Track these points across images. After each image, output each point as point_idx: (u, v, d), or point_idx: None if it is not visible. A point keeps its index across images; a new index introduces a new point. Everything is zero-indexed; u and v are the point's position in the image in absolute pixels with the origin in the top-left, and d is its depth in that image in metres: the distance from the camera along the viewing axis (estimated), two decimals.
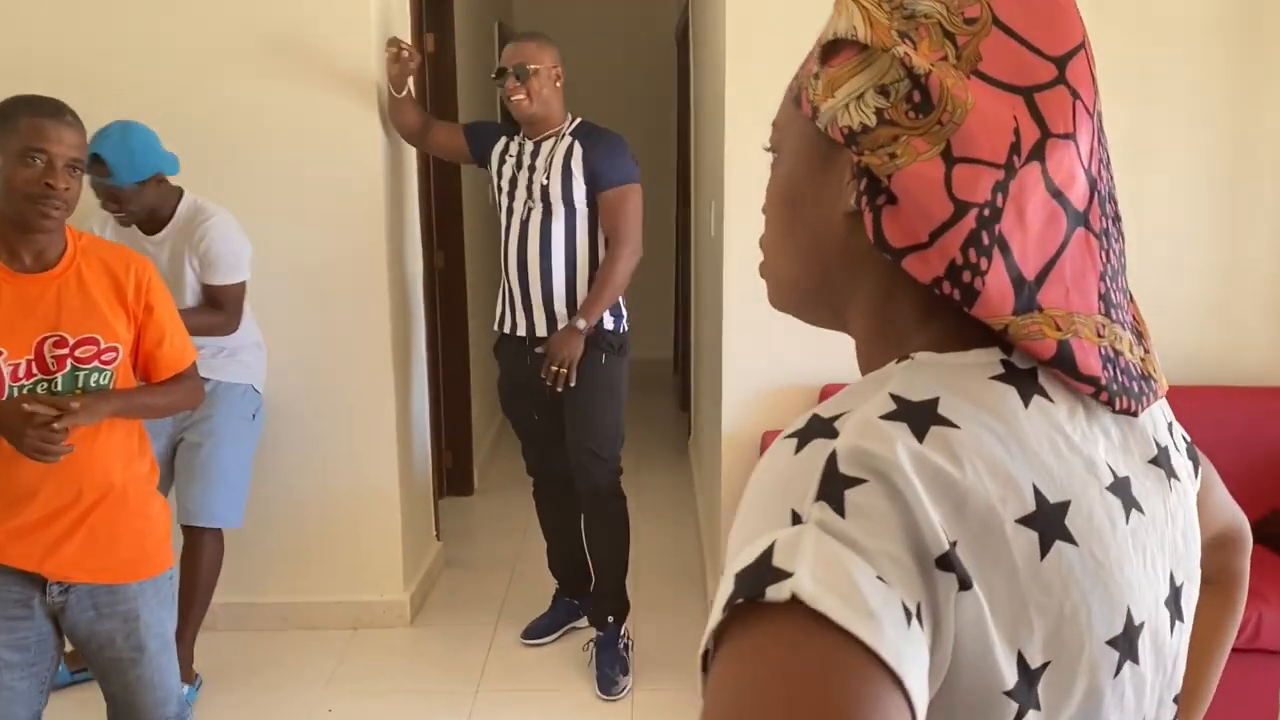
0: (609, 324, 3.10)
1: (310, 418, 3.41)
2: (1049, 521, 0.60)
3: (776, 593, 0.51)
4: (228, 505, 3.04)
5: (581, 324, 3.00)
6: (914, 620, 0.53)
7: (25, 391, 1.89)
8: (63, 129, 1.88)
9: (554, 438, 3.24)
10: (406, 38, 3.49)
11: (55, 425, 1.84)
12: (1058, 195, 0.63)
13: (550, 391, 3.06)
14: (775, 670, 0.50)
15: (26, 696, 2.02)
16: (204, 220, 2.92)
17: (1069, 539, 0.60)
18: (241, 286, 2.98)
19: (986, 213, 0.62)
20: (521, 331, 3.15)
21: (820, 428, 0.61)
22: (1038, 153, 0.62)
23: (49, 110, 1.89)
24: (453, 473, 4.75)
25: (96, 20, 3.19)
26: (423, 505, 3.83)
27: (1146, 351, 0.69)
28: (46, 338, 1.90)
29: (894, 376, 0.64)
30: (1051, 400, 0.64)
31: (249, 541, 3.32)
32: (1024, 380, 0.64)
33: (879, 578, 0.53)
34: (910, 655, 0.51)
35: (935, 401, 0.61)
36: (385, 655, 3.36)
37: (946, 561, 0.55)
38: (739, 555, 0.56)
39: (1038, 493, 0.60)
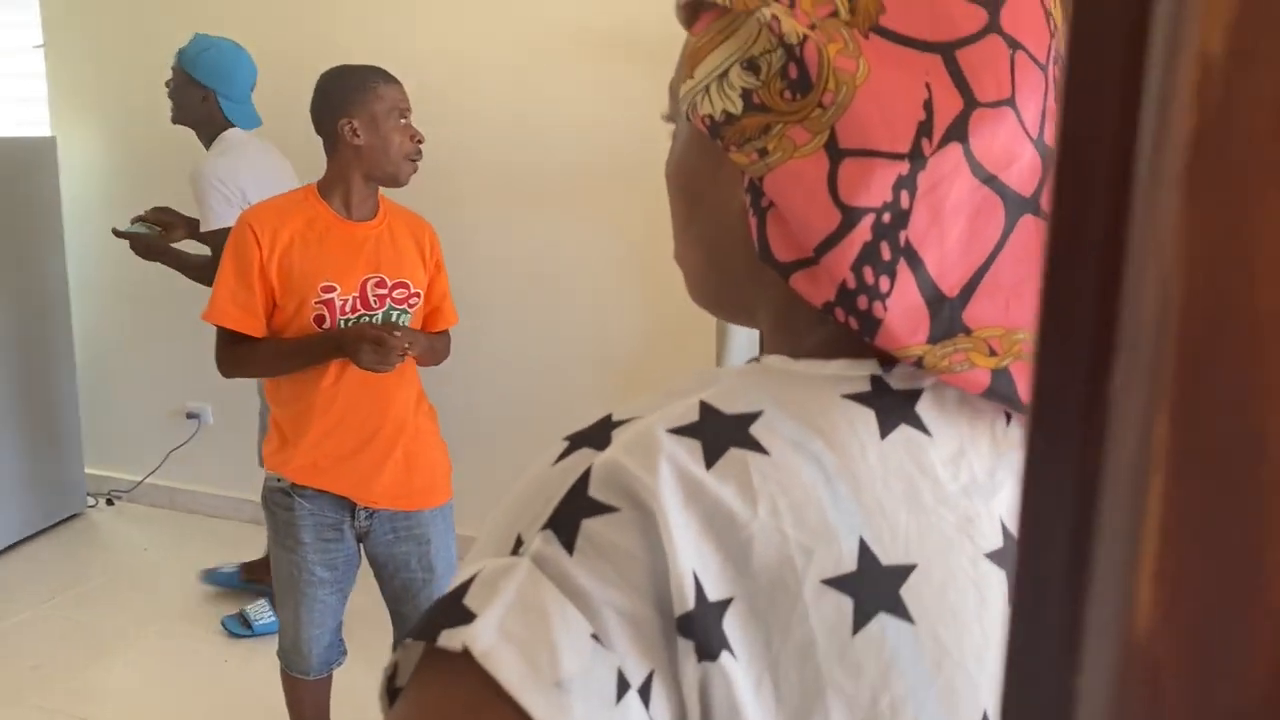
0: None
1: None
2: (873, 587, 0.47)
3: (449, 639, 0.43)
4: None
5: None
6: (633, 693, 0.43)
7: (350, 324, 2.10)
8: (403, 89, 2.10)
9: None
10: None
11: (396, 342, 1.99)
12: (990, 181, 0.49)
13: None
14: None
15: (335, 610, 2.21)
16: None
17: (901, 613, 0.47)
18: None
19: (886, 218, 0.49)
20: None
21: (597, 433, 0.50)
22: (958, 130, 0.48)
23: (389, 74, 2.09)
24: None
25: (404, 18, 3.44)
26: None
27: None
28: (369, 278, 2.09)
29: (722, 380, 0.52)
30: (927, 433, 0.51)
31: None
32: (892, 404, 0.51)
33: (594, 636, 0.44)
34: None
35: (752, 417, 0.49)
36: None
37: (687, 624, 0.44)
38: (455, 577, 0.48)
39: (864, 549, 0.47)
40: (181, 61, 2.86)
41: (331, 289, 2.05)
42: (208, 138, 2.93)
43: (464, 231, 3.44)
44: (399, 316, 2.15)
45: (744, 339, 2.80)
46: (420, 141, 2.10)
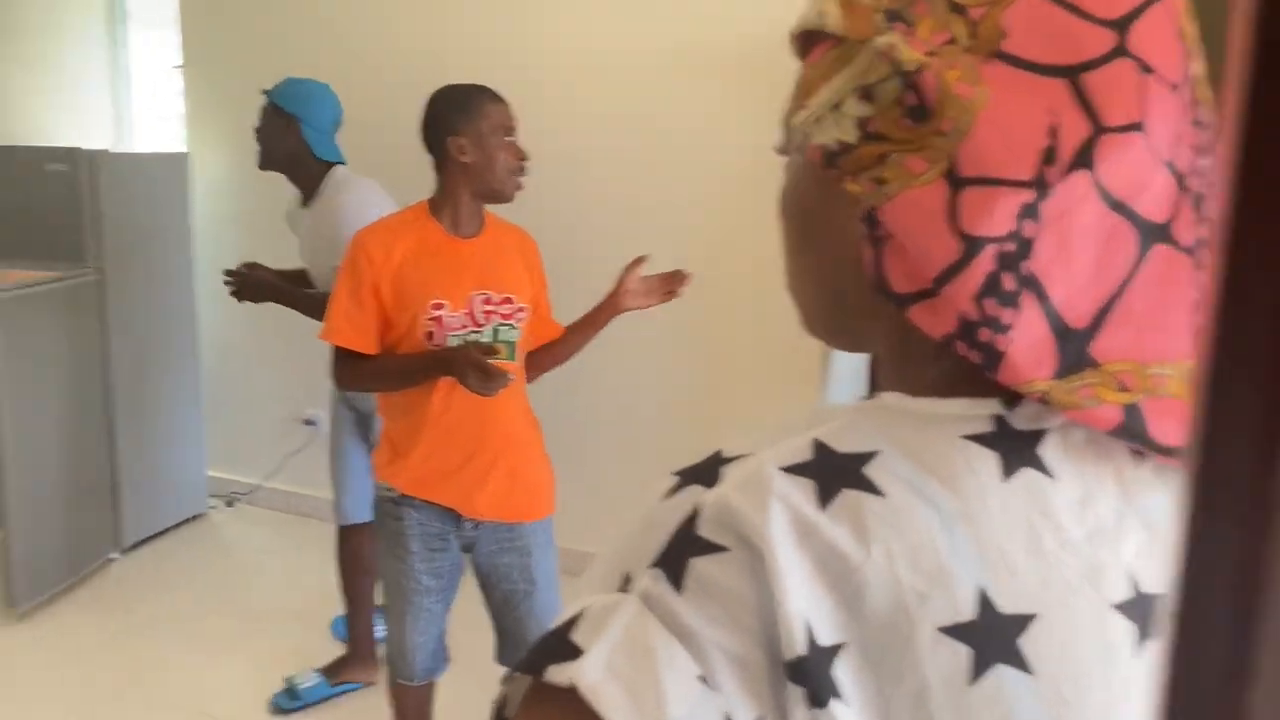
0: None
1: None
2: (992, 636, 0.45)
3: (556, 674, 0.44)
4: None
5: None
6: None
7: (458, 341, 2.14)
8: (509, 108, 2.14)
9: None
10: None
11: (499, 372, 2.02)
12: (1119, 208, 0.47)
13: None
14: None
15: (439, 618, 2.26)
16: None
17: (1020, 665, 0.45)
18: None
19: (1009, 248, 0.47)
20: None
21: (707, 469, 0.50)
22: (1085, 157, 0.47)
23: (496, 93, 2.14)
24: None
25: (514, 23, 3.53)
26: None
27: None
28: (477, 294, 2.14)
29: (836, 417, 0.51)
30: (1051, 476, 0.49)
31: None
32: (1015, 445, 0.49)
33: (700, 678, 0.43)
34: None
35: (867, 457, 0.48)
36: None
37: (797, 669, 0.43)
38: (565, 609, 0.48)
39: (983, 597, 0.45)
40: (269, 95, 2.89)
41: (441, 305, 2.09)
42: (300, 175, 2.89)
43: (575, 245, 3.48)
44: (506, 331, 2.18)
45: (847, 367, 2.76)
46: (525, 159, 2.14)
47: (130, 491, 3.95)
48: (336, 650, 3.09)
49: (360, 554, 2.97)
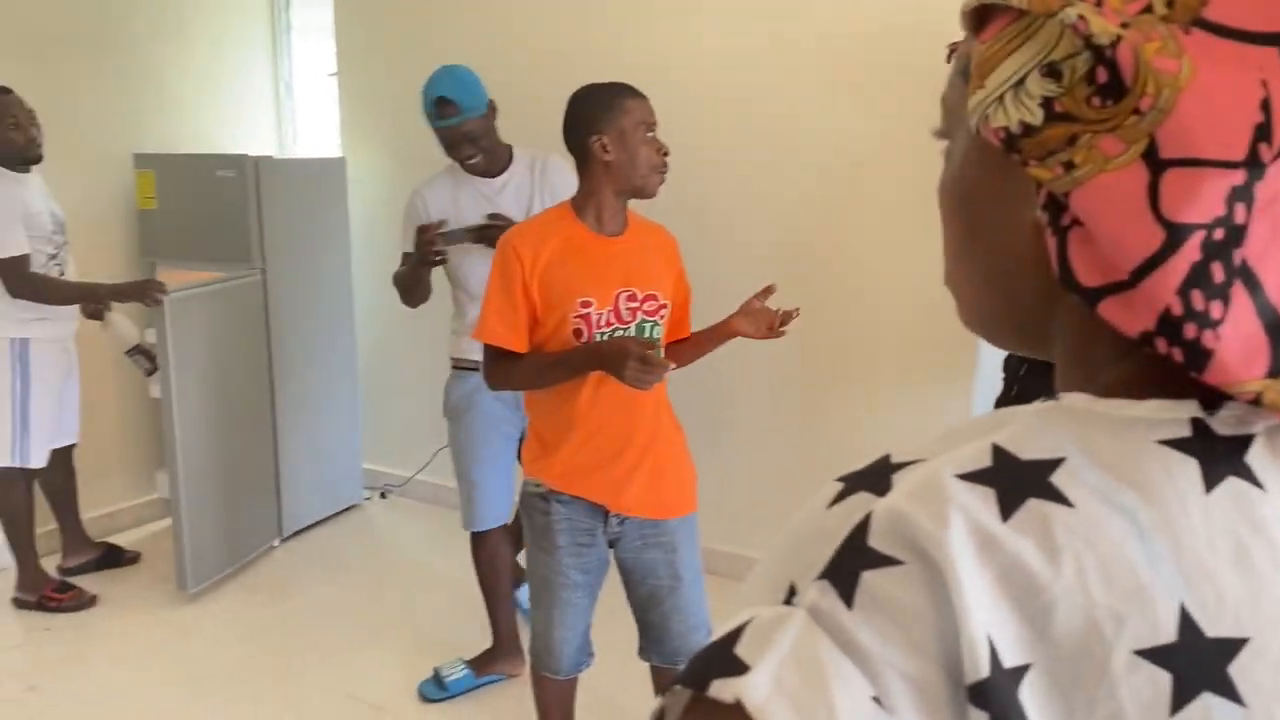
0: None
1: None
2: (1196, 662, 0.41)
3: (721, 689, 0.41)
4: None
5: None
6: None
7: (604, 338, 2.15)
8: (649, 103, 2.15)
9: None
10: None
11: (659, 360, 2.03)
12: None
13: None
14: None
15: (585, 612, 2.28)
16: (545, 156, 2.96)
17: (1230, 694, 0.41)
18: None
19: (1218, 235, 0.43)
20: None
21: (876, 476, 0.47)
22: None
23: (636, 89, 2.14)
24: None
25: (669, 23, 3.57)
26: None
27: None
28: (621, 291, 2.15)
29: (1016, 420, 0.48)
30: (1260, 486, 0.45)
31: None
32: (1218, 452, 0.45)
33: (875, 699, 0.41)
34: None
35: (1053, 465, 0.45)
36: None
37: (980, 693, 0.40)
38: (724, 624, 0.45)
39: (1186, 617, 0.42)
40: (477, 99, 2.86)
41: (589, 304, 2.11)
42: (502, 155, 2.95)
43: (709, 245, 3.47)
44: (651, 328, 2.19)
45: (993, 364, 2.66)
46: (666, 154, 2.14)
47: (291, 482, 4.14)
48: (484, 642, 3.16)
49: (497, 551, 3.05)
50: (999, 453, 0.45)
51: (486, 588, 3.09)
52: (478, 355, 2.36)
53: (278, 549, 4.09)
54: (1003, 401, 2.60)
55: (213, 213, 3.97)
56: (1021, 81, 0.47)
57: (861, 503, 0.45)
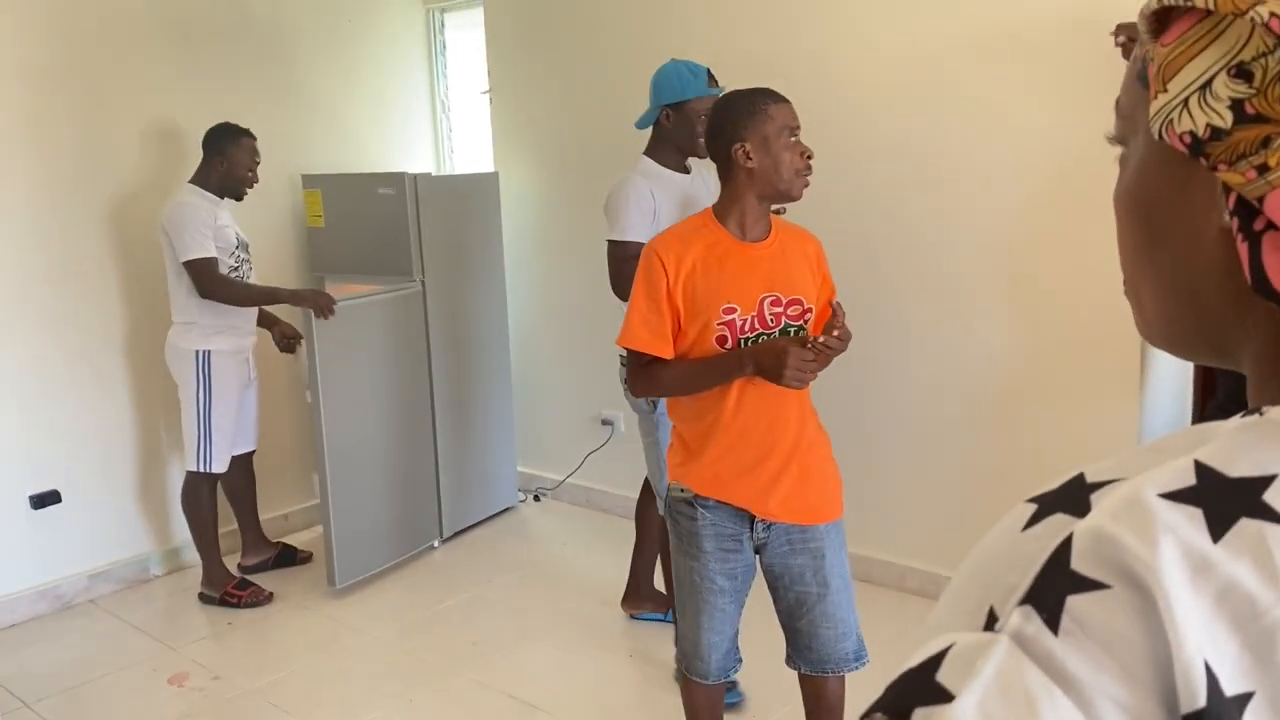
0: None
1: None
2: None
3: (925, 718, 0.40)
4: None
5: None
6: None
7: (749, 343, 2.16)
8: (791, 107, 2.15)
9: None
10: None
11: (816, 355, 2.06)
12: None
13: None
14: None
15: (732, 618, 2.29)
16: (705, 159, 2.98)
17: None
18: None
19: None
20: None
21: (1072, 496, 0.45)
22: None
23: (778, 94, 2.15)
24: None
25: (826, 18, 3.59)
26: None
27: None
28: (765, 297, 2.15)
29: (1216, 436, 0.45)
30: None
31: None
32: None
33: None
34: None
35: (1264, 482, 0.42)
36: None
37: None
38: (920, 648, 0.44)
39: None
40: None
41: (732, 310, 2.13)
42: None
43: (845, 249, 3.43)
44: (795, 333, 2.18)
45: (1169, 373, 2.53)
46: (810, 157, 2.14)
47: (450, 485, 4.29)
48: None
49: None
50: (1203, 470, 0.43)
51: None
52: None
53: (437, 549, 4.25)
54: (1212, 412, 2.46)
55: (375, 228, 4.17)
56: (1209, 84, 0.46)
57: (1060, 524, 0.44)
